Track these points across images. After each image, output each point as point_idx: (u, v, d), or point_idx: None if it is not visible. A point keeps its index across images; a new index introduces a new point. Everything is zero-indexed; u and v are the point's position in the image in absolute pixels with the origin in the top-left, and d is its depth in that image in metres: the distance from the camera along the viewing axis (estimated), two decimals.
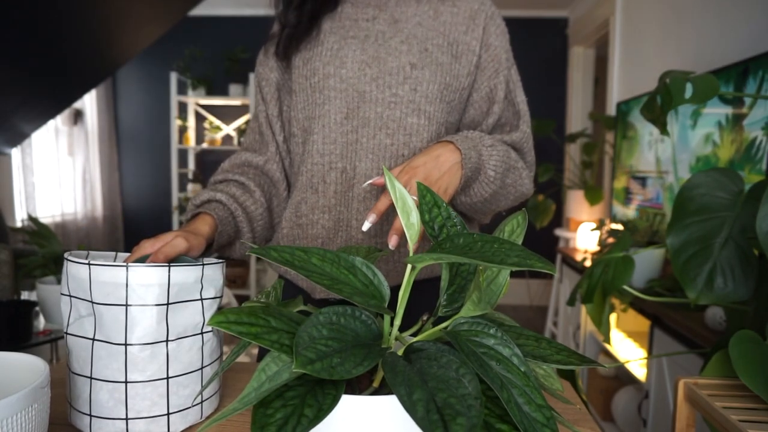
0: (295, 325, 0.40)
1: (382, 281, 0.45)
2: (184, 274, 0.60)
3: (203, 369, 0.63)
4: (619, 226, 2.04)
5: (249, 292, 4.22)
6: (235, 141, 4.46)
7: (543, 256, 0.38)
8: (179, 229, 0.72)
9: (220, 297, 0.66)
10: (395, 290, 0.50)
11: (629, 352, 2.12)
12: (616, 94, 2.99)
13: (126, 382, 0.58)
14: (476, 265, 0.49)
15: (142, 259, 0.65)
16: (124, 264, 0.57)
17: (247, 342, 0.40)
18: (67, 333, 0.61)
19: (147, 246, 0.66)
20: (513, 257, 0.38)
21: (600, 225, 2.13)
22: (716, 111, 1.75)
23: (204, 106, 4.55)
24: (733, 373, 0.79)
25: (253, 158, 0.91)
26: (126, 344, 0.57)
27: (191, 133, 4.44)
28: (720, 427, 0.70)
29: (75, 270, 0.59)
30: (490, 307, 0.45)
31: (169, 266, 0.59)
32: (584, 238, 2.90)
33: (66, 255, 0.61)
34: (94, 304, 0.58)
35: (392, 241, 0.64)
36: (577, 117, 3.97)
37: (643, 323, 1.89)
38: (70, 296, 0.61)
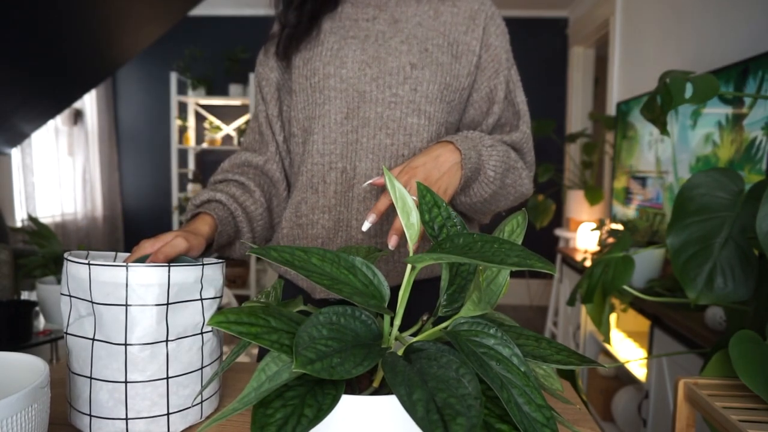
0: (295, 325, 0.40)
1: (382, 281, 0.45)
2: (184, 274, 0.60)
3: (203, 369, 0.63)
4: (619, 226, 2.04)
5: (249, 292, 4.22)
6: (235, 141, 4.46)
7: (543, 256, 0.38)
8: (179, 229, 0.72)
9: (220, 297, 0.66)
10: (395, 290, 0.50)
11: (629, 352, 2.12)
12: (616, 94, 2.99)
13: (126, 382, 0.58)
14: (476, 265, 0.49)
15: (142, 259, 0.65)
16: (124, 264, 0.57)
17: (247, 342, 0.40)
18: (67, 333, 0.61)
19: (147, 246, 0.66)
20: (513, 257, 0.38)
21: (600, 225, 2.13)
22: (716, 111, 1.75)
23: (204, 106, 4.55)
24: (733, 373, 0.79)
25: (253, 158, 0.91)
26: (126, 344, 0.57)
27: (191, 133, 4.44)
28: (720, 427, 0.70)
29: (75, 270, 0.59)
30: (490, 307, 0.45)
31: (169, 266, 0.59)
32: (584, 238, 2.90)
33: (66, 255, 0.61)
34: (94, 304, 0.58)
35: (392, 241, 0.64)
36: (577, 117, 3.97)
37: (643, 323, 1.89)
38: (70, 296, 0.61)
